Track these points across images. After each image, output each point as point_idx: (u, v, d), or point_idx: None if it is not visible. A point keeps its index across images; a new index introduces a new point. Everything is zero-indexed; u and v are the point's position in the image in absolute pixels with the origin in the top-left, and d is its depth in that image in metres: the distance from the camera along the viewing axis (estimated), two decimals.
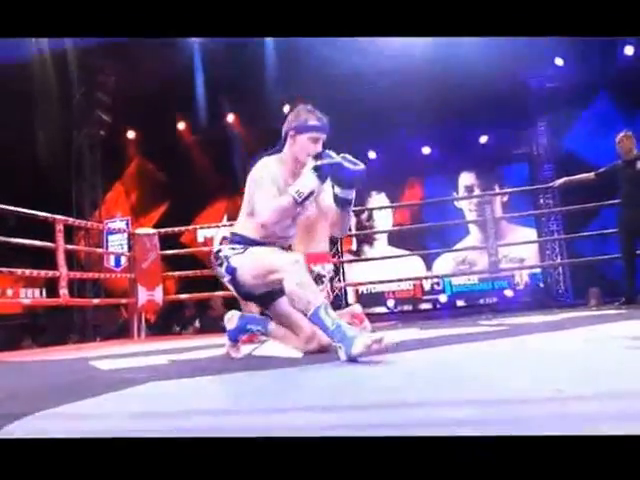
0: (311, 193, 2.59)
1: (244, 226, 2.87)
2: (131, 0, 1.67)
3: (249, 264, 2.73)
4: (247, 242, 2.82)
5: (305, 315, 2.50)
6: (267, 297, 2.87)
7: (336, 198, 2.69)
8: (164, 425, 1.42)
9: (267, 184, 2.70)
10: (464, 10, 1.70)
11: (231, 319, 3.08)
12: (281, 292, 2.77)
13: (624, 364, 1.96)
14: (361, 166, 2.57)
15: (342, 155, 2.60)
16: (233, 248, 2.82)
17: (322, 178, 2.58)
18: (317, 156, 2.62)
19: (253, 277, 2.73)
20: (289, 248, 3.02)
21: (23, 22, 1.68)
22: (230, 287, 2.86)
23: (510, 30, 1.74)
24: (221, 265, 2.83)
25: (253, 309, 3.81)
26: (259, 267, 2.70)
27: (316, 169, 2.57)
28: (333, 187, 2.69)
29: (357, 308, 4.11)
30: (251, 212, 2.80)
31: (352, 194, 2.69)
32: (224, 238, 2.98)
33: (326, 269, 3.76)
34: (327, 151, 2.64)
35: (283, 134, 2.83)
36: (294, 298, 2.51)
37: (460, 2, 1.70)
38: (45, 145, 9.47)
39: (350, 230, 11.44)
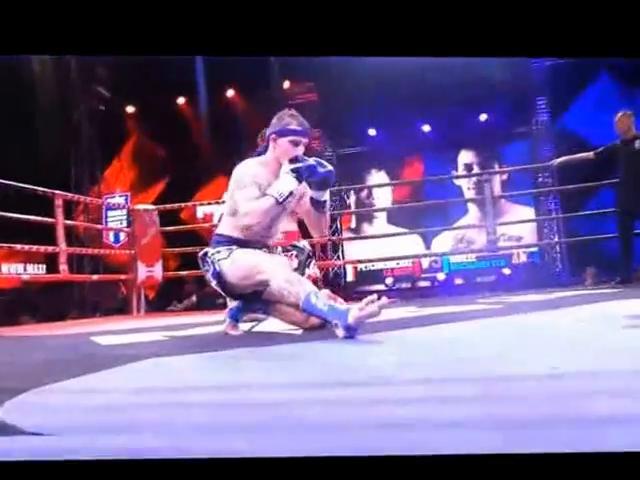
0: (290, 193, 2.71)
1: (228, 226, 2.95)
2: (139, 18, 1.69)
3: (234, 268, 2.82)
4: (232, 242, 2.90)
5: (297, 307, 2.60)
6: (257, 292, 2.92)
7: (311, 200, 2.85)
8: (164, 400, 1.44)
9: (249, 185, 2.80)
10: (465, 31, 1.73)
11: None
12: (262, 289, 2.87)
13: (618, 342, 1.99)
14: (330, 168, 2.74)
15: (314, 158, 2.76)
16: (218, 251, 2.89)
17: (299, 179, 2.70)
18: (293, 160, 2.74)
19: (240, 279, 2.82)
20: (273, 247, 3.08)
21: (26, 39, 1.70)
22: (219, 290, 2.96)
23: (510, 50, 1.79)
24: (208, 270, 2.92)
25: None
26: (245, 269, 2.79)
27: (294, 171, 2.69)
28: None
29: (327, 292, 4.09)
30: (234, 212, 2.88)
31: (325, 195, 2.84)
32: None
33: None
34: (301, 155, 2.78)
35: (266, 137, 2.94)
36: (284, 294, 2.62)
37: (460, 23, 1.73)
38: (44, 120, 9.43)
39: (349, 207, 11.49)
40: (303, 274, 2.96)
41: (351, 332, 2.33)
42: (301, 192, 2.90)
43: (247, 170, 2.88)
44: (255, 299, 2.94)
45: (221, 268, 2.84)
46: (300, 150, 2.83)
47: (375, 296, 2.37)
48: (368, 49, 1.87)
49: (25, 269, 9.85)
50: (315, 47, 1.81)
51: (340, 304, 2.50)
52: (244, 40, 1.78)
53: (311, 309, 2.53)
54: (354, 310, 2.33)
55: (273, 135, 2.86)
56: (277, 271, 2.68)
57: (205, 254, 2.94)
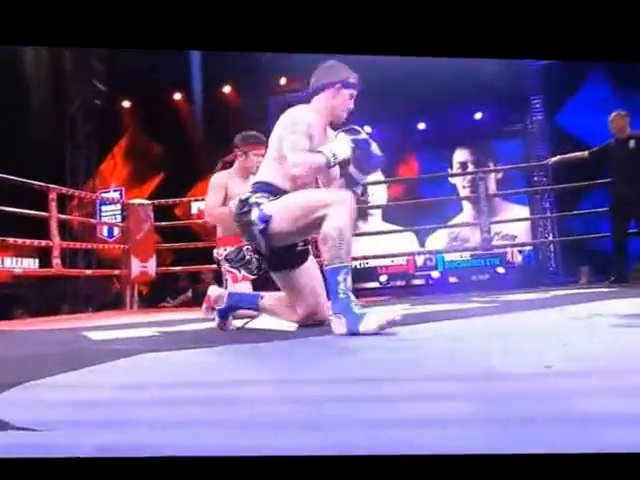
0: (342, 160, 2.56)
1: (274, 173, 2.72)
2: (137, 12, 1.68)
3: (289, 205, 2.59)
4: (278, 192, 2.67)
5: (326, 265, 2.45)
6: (287, 258, 2.80)
7: (350, 177, 2.66)
8: (156, 396, 1.43)
9: (300, 132, 2.60)
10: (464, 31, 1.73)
11: (219, 299, 3.04)
12: (300, 262, 2.80)
13: (611, 341, 1.99)
14: (380, 154, 2.62)
15: (370, 137, 2.62)
16: (266, 197, 2.66)
17: (356, 150, 2.55)
18: (350, 130, 2.61)
19: (294, 219, 2.57)
20: None
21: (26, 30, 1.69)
22: (258, 238, 2.64)
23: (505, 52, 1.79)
24: (248, 213, 2.65)
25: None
26: (304, 204, 2.55)
27: (354, 141, 2.55)
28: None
29: None
30: (281, 158, 2.67)
31: (366, 179, 2.71)
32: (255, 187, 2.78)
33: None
34: (360, 128, 2.64)
35: (320, 85, 2.77)
36: (328, 241, 2.44)
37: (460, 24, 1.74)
38: (39, 114, 9.38)
39: None
40: None
41: (351, 334, 2.30)
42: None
43: (304, 116, 2.68)
44: (286, 260, 2.81)
45: (271, 210, 2.60)
46: (352, 104, 2.76)
47: (396, 316, 2.35)
48: (365, 47, 1.87)
49: (17, 263, 9.80)
50: (311, 44, 1.81)
51: (357, 304, 2.39)
52: (240, 35, 1.78)
53: (330, 283, 2.42)
54: (370, 323, 2.27)
55: (338, 84, 2.71)
56: (337, 211, 2.44)
57: (247, 198, 2.69)
